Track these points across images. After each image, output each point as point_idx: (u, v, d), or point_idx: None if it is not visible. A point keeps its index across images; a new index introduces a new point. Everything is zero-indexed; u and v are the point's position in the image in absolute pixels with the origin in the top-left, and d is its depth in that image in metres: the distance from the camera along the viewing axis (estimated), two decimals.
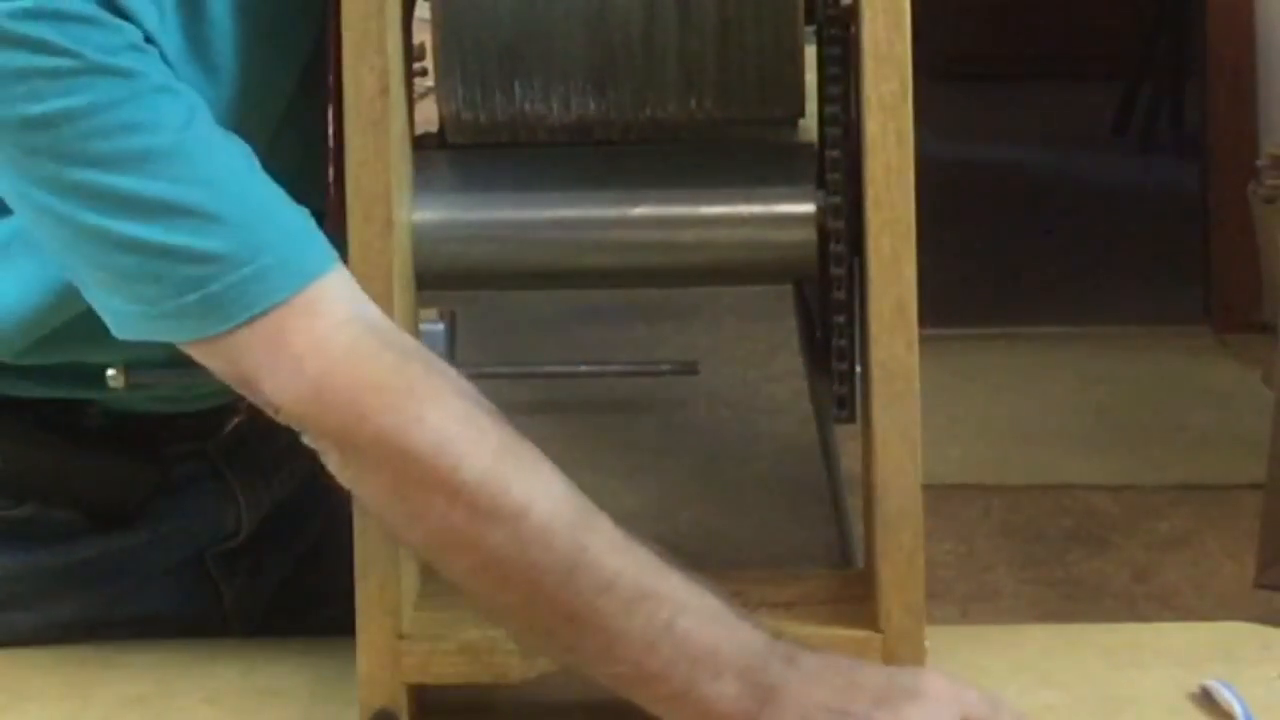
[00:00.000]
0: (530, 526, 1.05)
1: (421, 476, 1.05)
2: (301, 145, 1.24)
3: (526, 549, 1.05)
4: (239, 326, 1.07)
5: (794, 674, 1.05)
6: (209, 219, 1.06)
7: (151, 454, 1.31)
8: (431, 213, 1.18)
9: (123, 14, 1.07)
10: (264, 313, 1.06)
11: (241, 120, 1.16)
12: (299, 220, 1.10)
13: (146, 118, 1.06)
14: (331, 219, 1.19)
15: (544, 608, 1.06)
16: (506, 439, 1.07)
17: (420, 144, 1.21)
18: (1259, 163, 3.90)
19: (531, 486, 1.06)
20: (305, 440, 1.10)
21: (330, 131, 1.18)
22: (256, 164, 1.11)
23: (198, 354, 1.09)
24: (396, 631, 1.13)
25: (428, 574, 1.20)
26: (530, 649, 1.11)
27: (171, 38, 1.12)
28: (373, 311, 1.09)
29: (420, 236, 1.17)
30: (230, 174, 1.09)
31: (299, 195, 1.22)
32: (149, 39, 1.08)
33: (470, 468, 1.05)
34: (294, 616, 1.39)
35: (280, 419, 1.09)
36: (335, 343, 1.06)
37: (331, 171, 1.18)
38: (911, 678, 1.07)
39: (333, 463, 1.09)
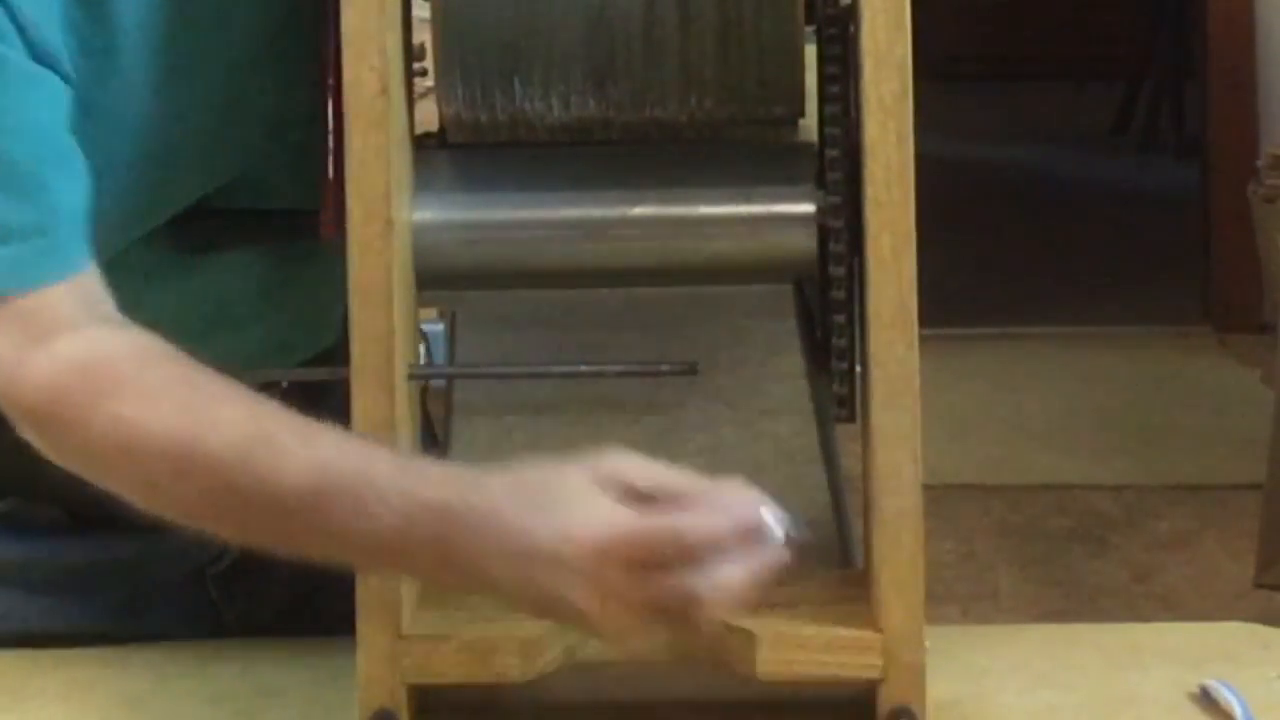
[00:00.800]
0: (213, 464, 1.06)
1: (108, 453, 1.09)
2: (299, 145, 1.24)
3: (219, 484, 1.07)
4: None
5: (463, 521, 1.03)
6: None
7: None
8: (431, 213, 1.18)
9: None
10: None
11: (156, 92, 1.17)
12: (70, 217, 1.11)
13: None
14: (331, 219, 1.19)
15: (244, 515, 1.08)
16: (181, 393, 1.09)
17: (420, 144, 1.21)
18: (1259, 163, 3.91)
19: (205, 429, 1.07)
20: None
21: (330, 131, 1.18)
22: (60, 153, 1.12)
23: None
24: (396, 631, 1.13)
25: None
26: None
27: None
28: (96, 305, 1.11)
29: (420, 236, 1.17)
30: (12, 161, 1.10)
31: (298, 194, 1.22)
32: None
33: (149, 431, 1.07)
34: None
35: None
36: (35, 357, 1.09)
37: (331, 171, 1.18)
38: (556, 537, 1.00)
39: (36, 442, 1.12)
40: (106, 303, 1.13)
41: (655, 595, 1.00)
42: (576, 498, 1.01)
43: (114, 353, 1.11)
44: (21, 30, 1.10)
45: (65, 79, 1.14)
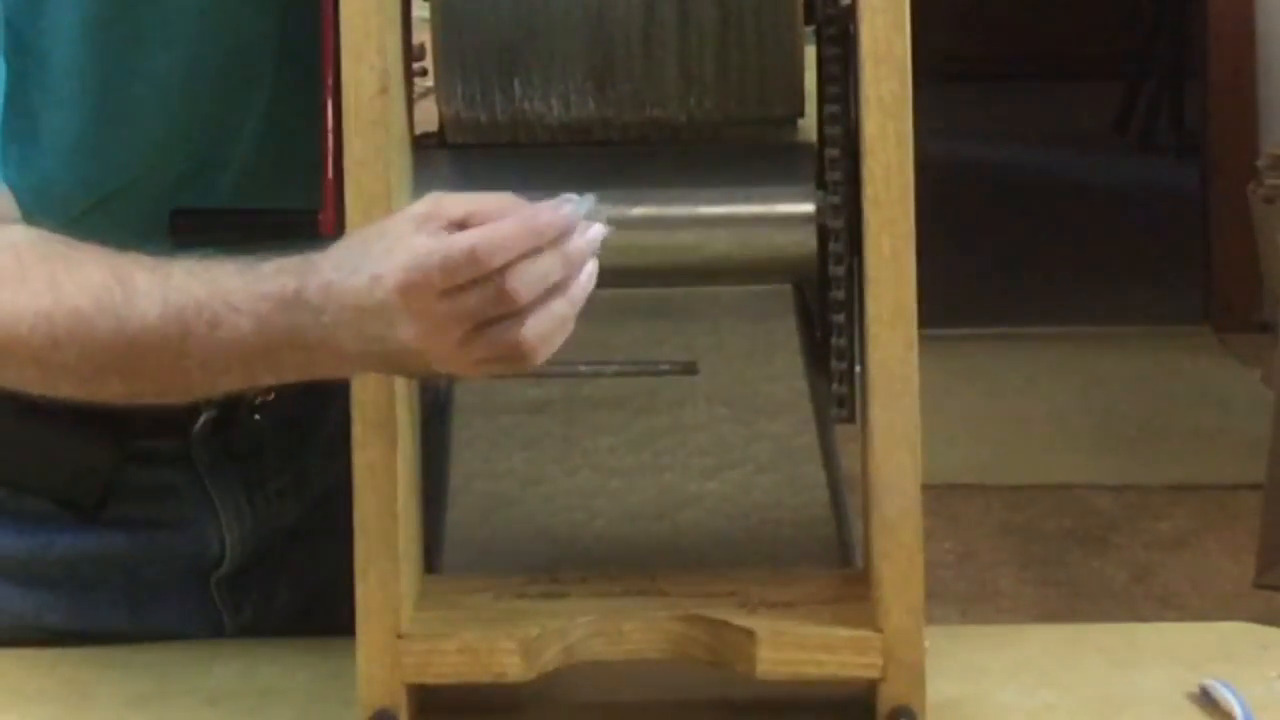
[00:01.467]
0: (82, 324, 1.10)
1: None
2: (273, 139, 1.24)
3: (92, 341, 1.10)
4: None
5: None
6: None
7: (111, 435, 1.30)
8: None
9: None
10: None
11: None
12: None
13: None
14: (331, 219, 1.19)
15: (124, 364, 1.11)
16: (50, 269, 1.11)
17: (420, 144, 1.21)
18: (1259, 163, 3.91)
19: (70, 293, 1.10)
20: None
21: (330, 131, 1.18)
22: None
23: None
24: (396, 631, 1.13)
25: (428, 574, 1.21)
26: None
27: None
28: None
29: None
30: None
31: (275, 189, 1.22)
32: None
33: (24, 310, 1.11)
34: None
35: None
36: None
37: (331, 171, 1.18)
38: (372, 284, 1.03)
39: None
40: (11, 219, 1.15)
41: (472, 312, 1.02)
42: (393, 243, 1.03)
43: None
44: None
45: None
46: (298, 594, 1.39)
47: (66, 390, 1.14)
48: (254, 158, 1.28)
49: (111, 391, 1.14)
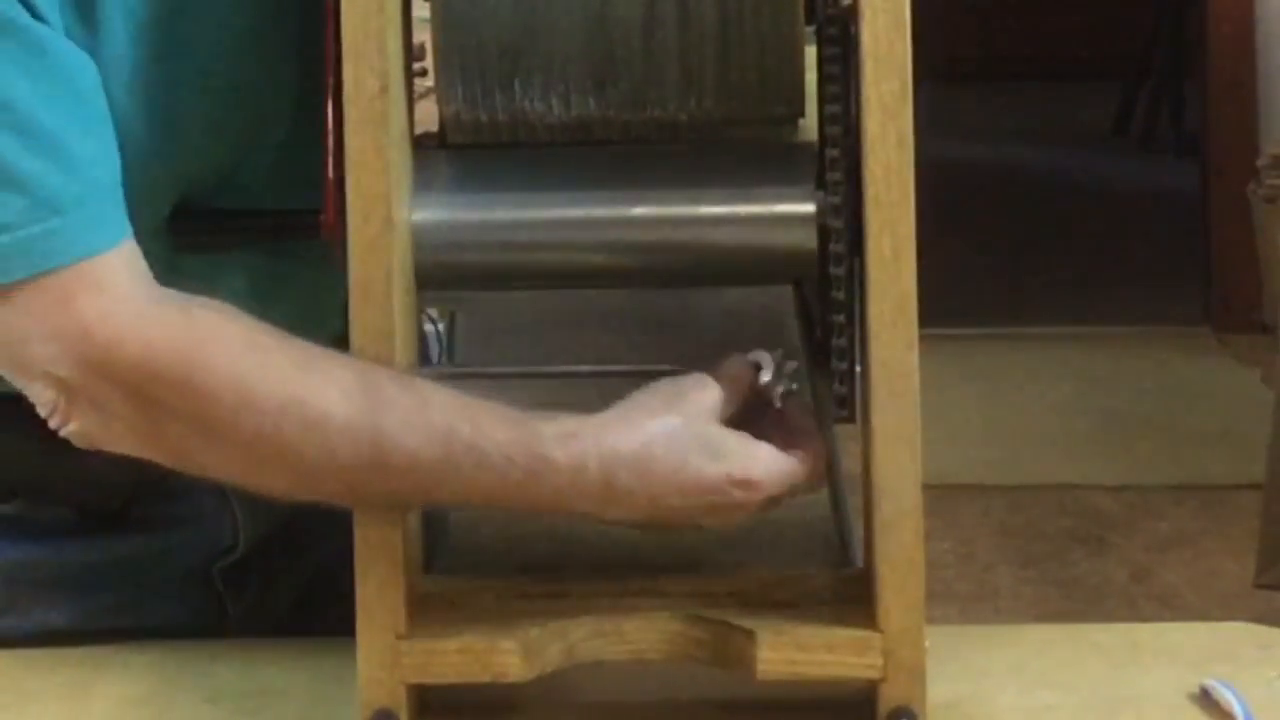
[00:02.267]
0: (334, 431, 1.08)
1: (222, 415, 1.09)
2: (297, 145, 1.24)
3: (335, 453, 1.09)
4: (23, 281, 1.08)
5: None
6: (15, 171, 1.08)
7: None
8: (431, 213, 1.18)
9: None
10: (49, 272, 1.08)
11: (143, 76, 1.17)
12: (109, 188, 1.12)
13: None
14: (331, 219, 1.19)
15: (367, 492, 1.11)
16: (292, 353, 1.10)
17: (420, 144, 1.21)
18: (1259, 163, 3.91)
19: (325, 392, 1.09)
20: (50, 414, 1.12)
21: (330, 131, 1.18)
22: (95, 121, 1.12)
23: None
24: (396, 631, 1.13)
25: (428, 574, 1.21)
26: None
27: None
28: (148, 274, 1.12)
29: (420, 236, 1.17)
30: (52, 130, 1.10)
31: (297, 194, 1.22)
32: None
33: (267, 394, 1.08)
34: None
35: (32, 386, 1.11)
36: (122, 312, 1.09)
37: (331, 171, 1.18)
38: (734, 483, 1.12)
39: (111, 427, 1.11)
40: (149, 272, 1.13)
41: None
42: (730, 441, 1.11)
43: (214, 313, 1.11)
44: (36, 16, 1.11)
45: None
46: (300, 575, 1.39)
47: (275, 470, 1.12)
48: (277, 163, 1.28)
49: (321, 491, 1.13)
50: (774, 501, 1.12)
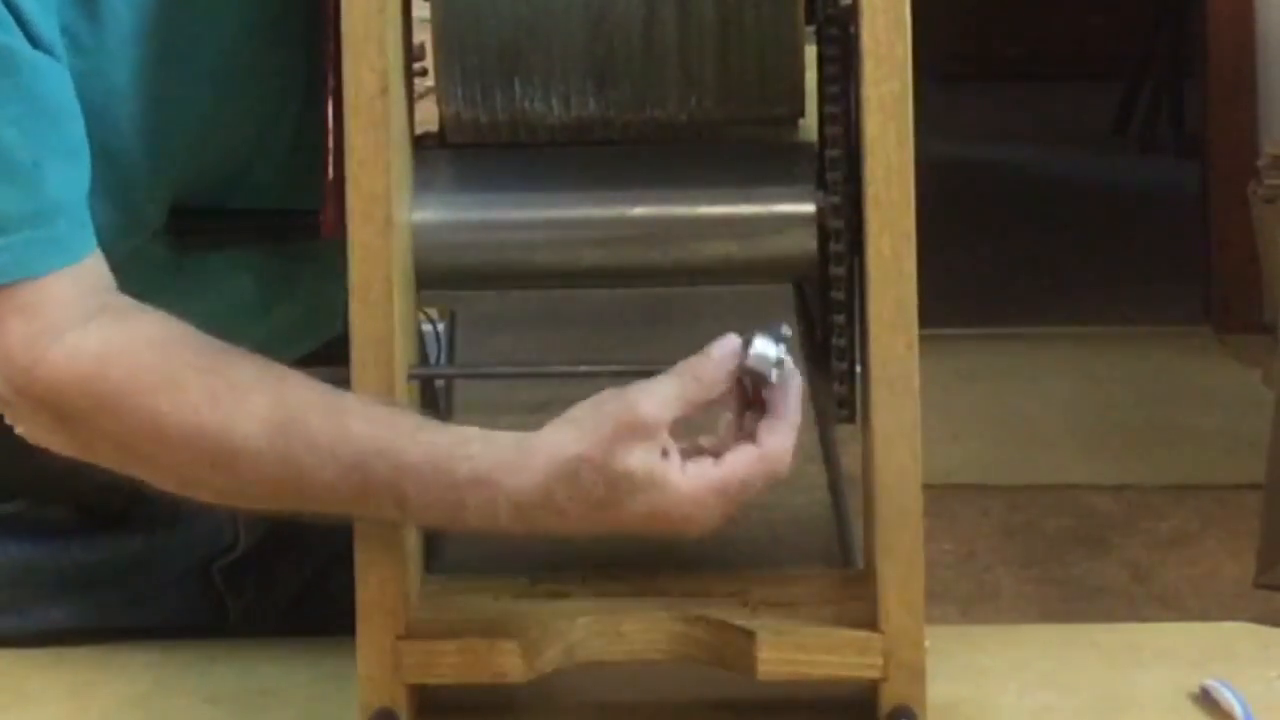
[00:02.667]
0: (244, 465, 1.09)
1: (136, 445, 1.10)
2: (298, 145, 1.24)
3: (249, 484, 1.10)
4: None
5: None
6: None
7: None
8: (431, 213, 1.18)
9: None
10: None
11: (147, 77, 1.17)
12: (69, 207, 1.12)
13: None
14: (332, 219, 1.19)
15: (293, 510, 1.12)
16: (210, 384, 1.10)
17: (420, 144, 1.21)
18: (1259, 163, 3.91)
19: (236, 427, 1.09)
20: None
21: (330, 131, 1.18)
22: (63, 140, 1.12)
23: None
24: (396, 631, 1.13)
25: (428, 574, 1.21)
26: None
27: None
28: (96, 297, 1.12)
29: (420, 236, 1.17)
30: (9, 148, 1.10)
31: (309, 194, 1.22)
32: None
33: (176, 430, 1.09)
34: (302, 635, 1.38)
35: None
36: (43, 340, 1.10)
37: (331, 171, 1.18)
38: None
39: (49, 438, 1.13)
40: (111, 289, 1.13)
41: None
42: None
43: (133, 342, 1.11)
44: (21, 21, 1.10)
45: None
46: (299, 574, 1.39)
47: (198, 497, 1.14)
48: (286, 164, 1.28)
49: (256, 509, 1.16)
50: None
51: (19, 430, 1.14)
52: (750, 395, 1.09)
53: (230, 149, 1.25)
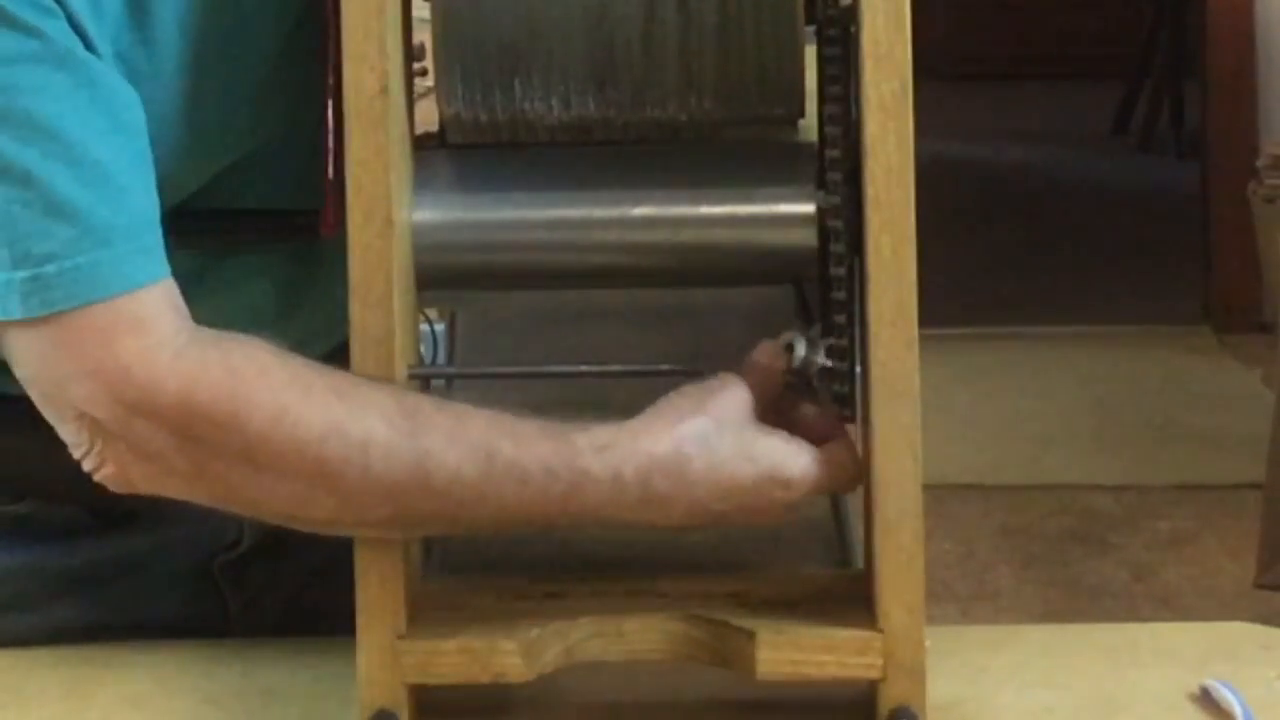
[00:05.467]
0: (377, 454, 1.09)
1: (267, 447, 1.09)
2: (299, 144, 1.24)
3: (379, 476, 1.09)
4: (63, 314, 1.07)
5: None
6: (64, 201, 1.07)
7: None
8: (431, 213, 1.18)
9: None
10: (90, 305, 1.07)
11: (193, 97, 1.17)
12: (152, 224, 1.11)
13: (35, 82, 1.07)
14: (331, 219, 1.19)
15: (412, 515, 1.11)
16: (332, 382, 1.10)
17: (420, 144, 1.21)
18: (1259, 163, 3.91)
19: (365, 417, 1.09)
20: (83, 456, 1.11)
21: (330, 131, 1.18)
22: (141, 157, 1.12)
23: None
24: (396, 631, 1.14)
25: (428, 574, 1.21)
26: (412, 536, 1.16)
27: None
28: (186, 312, 1.12)
29: (420, 236, 1.17)
30: (102, 162, 1.09)
31: (298, 195, 1.22)
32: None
33: (310, 423, 1.08)
34: (301, 634, 1.38)
35: (66, 426, 1.10)
36: (163, 352, 1.08)
37: (331, 171, 1.18)
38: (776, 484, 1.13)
39: (151, 469, 1.11)
40: (186, 310, 1.13)
41: None
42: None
43: (245, 345, 1.11)
44: (85, 42, 1.10)
45: None
46: (300, 573, 1.39)
47: (322, 503, 1.11)
48: (301, 167, 1.28)
49: (371, 517, 1.13)
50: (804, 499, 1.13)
51: (106, 472, 1.12)
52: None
53: (252, 162, 1.25)
